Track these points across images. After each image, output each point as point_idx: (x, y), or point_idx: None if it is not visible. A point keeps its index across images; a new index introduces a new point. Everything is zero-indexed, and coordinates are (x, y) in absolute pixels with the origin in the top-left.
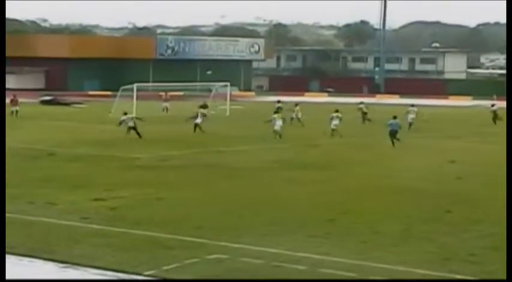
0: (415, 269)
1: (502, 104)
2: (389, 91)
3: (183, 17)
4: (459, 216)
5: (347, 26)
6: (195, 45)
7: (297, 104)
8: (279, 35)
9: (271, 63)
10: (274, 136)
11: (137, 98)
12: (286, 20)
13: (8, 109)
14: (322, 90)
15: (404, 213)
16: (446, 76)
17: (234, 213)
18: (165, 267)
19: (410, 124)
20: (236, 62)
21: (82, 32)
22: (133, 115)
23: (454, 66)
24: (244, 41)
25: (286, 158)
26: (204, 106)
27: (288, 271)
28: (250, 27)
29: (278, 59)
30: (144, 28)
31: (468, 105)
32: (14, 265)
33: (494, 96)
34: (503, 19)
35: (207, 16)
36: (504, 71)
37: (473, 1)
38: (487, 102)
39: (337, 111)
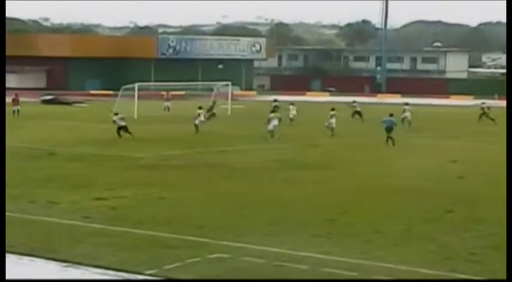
0: (417, 268)
1: (503, 103)
2: (391, 90)
3: (185, 17)
4: (460, 215)
5: (349, 25)
6: (196, 45)
7: (292, 103)
8: (280, 34)
9: (273, 62)
10: (269, 136)
11: (139, 98)
12: (287, 19)
13: (9, 108)
14: (323, 89)
15: (405, 213)
16: (448, 75)
17: (236, 213)
18: (166, 267)
19: (403, 120)
20: (238, 62)
21: (83, 31)
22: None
23: (456, 65)
24: (245, 41)
25: (287, 157)
26: (212, 105)
27: (290, 270)
28: (252, 27)
29: (280, 58)
30: (146, 27)
31: (470, 105)
32: (15, 264)
33: (496, 96)
34: (505, 18)
35: (208, 15)
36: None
37: (475, 0)
38: (488, 102)
39: (333, 109)
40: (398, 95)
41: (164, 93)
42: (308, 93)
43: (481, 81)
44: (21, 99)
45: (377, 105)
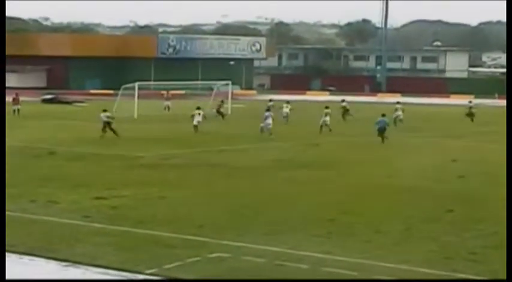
0: (417, 268)
1: (503, 102)
2: (391, 90)
3: (185, 16)
4: (461, 215)
5: (349, 24)
6: (196, 44)
7: (287, 101)
8: (280, 33)
9: (273, 61)
10: (263, 134)
11: (139, 97)
12: (287, 18)
13: (10, 108)
14: (323, 88)
15: (405, 212)
16: (448, 75)
17: (236, 212)
18: (166, 266)
19: (395, 120)
20: (238, 61)
21: (84, 30)
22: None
23: (456, 64)
24: (245, 40)
25: (287, 157)
26: (220, 105)
27: (291, 270)
28: (252, 26)
29: (280, 57)
30: (146, 27)
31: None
32: (15, 264)
33: (496, 95)
34: (505, 18)
35: (208, 15)
36: None
37: (475, 0)
38: (488, 101)
39: (327, 107)
40: (399, 94)
41: (164, 92)
42: (308, 92)
43: (481, 81)
44: (21, 98)
45: (377, 104)
